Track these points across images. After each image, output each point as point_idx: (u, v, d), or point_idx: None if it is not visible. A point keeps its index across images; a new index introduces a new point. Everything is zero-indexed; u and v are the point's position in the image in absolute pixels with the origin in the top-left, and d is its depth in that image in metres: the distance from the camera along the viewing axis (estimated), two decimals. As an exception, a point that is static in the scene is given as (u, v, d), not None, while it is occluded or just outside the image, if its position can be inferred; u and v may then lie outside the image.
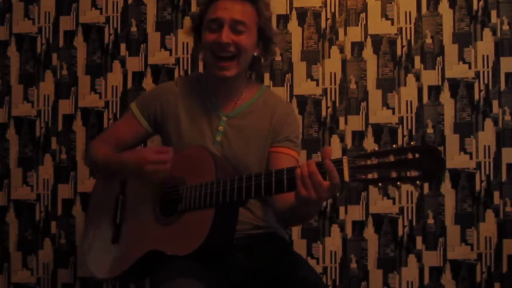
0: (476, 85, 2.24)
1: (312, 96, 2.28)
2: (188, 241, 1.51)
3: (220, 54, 1.67)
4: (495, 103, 2.23)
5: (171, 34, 2.34)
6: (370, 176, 1.31)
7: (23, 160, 2.37)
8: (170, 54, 2.33)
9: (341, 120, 2.27)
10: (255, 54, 1.76)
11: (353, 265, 2.24)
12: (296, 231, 2.25)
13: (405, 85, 2.26)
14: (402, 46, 2.27)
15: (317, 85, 2.28)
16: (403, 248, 2.23)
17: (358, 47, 2.28)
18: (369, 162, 1.31)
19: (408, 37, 2.27)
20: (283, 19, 2.31)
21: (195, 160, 1.61)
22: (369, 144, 2.25)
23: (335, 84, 2.28)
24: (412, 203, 2.23)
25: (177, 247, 1.53)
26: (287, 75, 2.30)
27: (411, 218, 2.23)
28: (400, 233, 2.23)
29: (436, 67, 2.26)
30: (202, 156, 1.60)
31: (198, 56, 1.94)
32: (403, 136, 2.25)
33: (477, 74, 2.24)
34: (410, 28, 2.27)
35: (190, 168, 1.61)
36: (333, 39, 2.29)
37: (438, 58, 2.26)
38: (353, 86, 2.28)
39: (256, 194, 1.48)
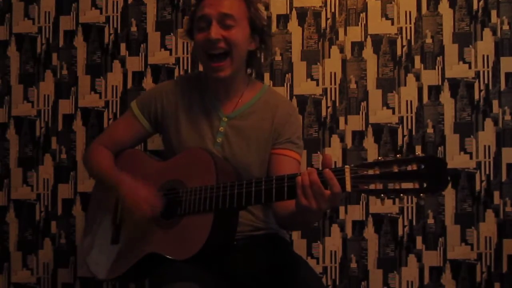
0: (476, 85, 2.24)
1: (312, 96, 2.28)
2: (187, 245, 1.51)
3: (211, 52, 1.64)
4: (495, 103, 2.23)
5: (171, 34, 2.34)
6: (372, 186, 1.28)
7: (23, 160, 2.37)
8: (170, 54, 2.33)
9: (341, 120, 2.27)
10: (251, 49, 1.74)
11: (353, 265, 2.24)
12: (296, 231, 2.25)
13: (405, 85, 2.26)
14: (402, 46, 2.27)
15: (317, 85, 2.28)
16: (403, 248, 2.23)
17: (358, 47, 2.28)
18: (371, 172, 1.27)
19: (408, 37, 2.27)
20: (283, 19, 2.30)
21: (195, 161, 1.61)
22: (369, 144, 2.25)
23: (335, 84, 2.28)
24: (412, 203, 2.23)
25: (177, 251, 1.52)
26: (287, 75, 2.30)
27: (411, 218, 2.23)
28: (400, 233, 2.23)
29: (436, 67, 2.26)
30: (202, 157, 1.59)
31: (197, 58, 1.92)
32: (403, 136, 2.25)
33: (477, 74, 2.24)
34: (410, 28, 2.27)
35: (190, 170, 1.61)
36: (333, 39, 2.29)
37: (438, 58, 2.25)
38: (353, 86, 2.27)
39: (256, 201, 1.46)
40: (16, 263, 2.36)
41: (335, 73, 2.28)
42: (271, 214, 1.73)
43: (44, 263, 2.35)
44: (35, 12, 2.39)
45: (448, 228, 2.22)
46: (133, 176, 1.67)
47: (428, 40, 2.26)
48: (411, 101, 2.25)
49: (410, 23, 2.27)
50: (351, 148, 2.26)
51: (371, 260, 2.23)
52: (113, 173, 1.71)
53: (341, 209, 2.25)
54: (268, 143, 1.74)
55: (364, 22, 2.28)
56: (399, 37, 2.27)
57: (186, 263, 1.50)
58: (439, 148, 2.23)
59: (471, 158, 2.22)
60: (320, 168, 1.36)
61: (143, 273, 1.67)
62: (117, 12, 2.36)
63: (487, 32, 2.24)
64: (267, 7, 2.28)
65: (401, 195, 1.26)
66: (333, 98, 2.28)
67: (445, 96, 2.25)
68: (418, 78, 2.26)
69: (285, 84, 2.29)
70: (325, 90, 2.28)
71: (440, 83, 2.25)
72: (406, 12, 2.27)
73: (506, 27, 2.24)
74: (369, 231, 2.24)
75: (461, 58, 2.25)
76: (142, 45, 2.35)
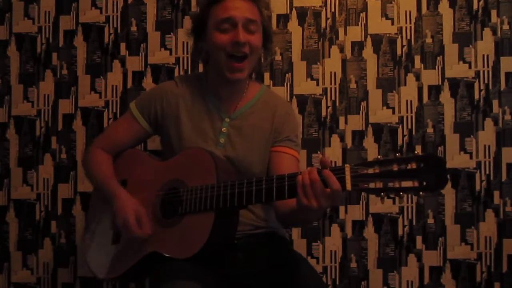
0: (476, 84, 2.24)
1: (312, 96, 2.28)
2: (188, 244, 1.51)
3: (236, 54, 1.65)
4: (495, 102, 2.23)
5: (171, 33, 2.34)
6: (372, 185, 1.28)
7: (23, 159, 2.37)
8: (170, 54, 2.33)
9: (341, 119, 2.27)
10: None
11: (353, 264, 2.24)
12: (296, 230, 2.25)
13: (405, 85, 2.26)
14: (402, 46, 2.27)
15: (317, 84, 2.28)
16: (403, 247, 2.23)
17: (358, 46, 2.28)
18: (371, 170, 1.28)
19: (408, 37, 2.27)
20: (283, 19, 2.30)
21: (195, 161, 1.61)
22: (369, 143, 2.25)
23: (335, 84, 2.28)
24: (412, 202, 2.23)
25: (178, 250, 1.53)
26: (287, 75, 2.30)
27: (411, 217, 2.23)
28: (400, 232, 2.23)
29: (436, 67, 2.26)
30: (202, 157, 1.59)
31: (197, 57, 1.91)
32: (403, 136, 2.25)
33: (477, 73, 2.24)
34: (410, 27, 2.27)
35: (191, 170, 1.61)
36: (333, 39, 2.29)
37: (438, 58, 2.26)
38: (353, 85, 2.28)
39: (256, 200, 1.47)
40: (16, 263, 2.36)
41: (335, 73, 2.28)
42: (272, 213, 1.74)
43: (44, 263, 2.35)
44: (35, 11, 2.39)
45: (448, 228, 2.22)
46: (135, 180, 1.70)
47: (428, 40, 2.26)
48: (411, 101, 2.26)
49: (410, 23, 2.27)
50: (351, 148, 2.26)
51: (371, 260, 2.24)
52: (110, 183, 1.71)
53: (341, 209, 2.25)
54: (269, 142, 1.75)
55: (364, 22, 2.28)
56: (399, 37, 2.27)
57: (187, 262, 1.50)
58: (439, 148, 2.23)
59: (471, 158, 2.22)
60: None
61: (144, 272, 1.67)
62: (117, 12, 2.36)
63: (487, 32, 2.24)
64: (267, 7, 2.27)
65: (401, 193, 1.27)
66: (333, 98, 2.28)
67: (445, 96, 2.25)
68: (418, 78, 2.26)
69: (285, 84, 2.29)
70: (325, 90, 2.28)
71: (440, 83, 2.25)
72: (406, 12, 2.27)
73: (506, 26, 2.24)
74: (369, 231, 2.24)
75: (461, 58, 2.25)
76: (142, 45, 2.35)
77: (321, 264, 2.25)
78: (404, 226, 2.23)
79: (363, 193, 2.23)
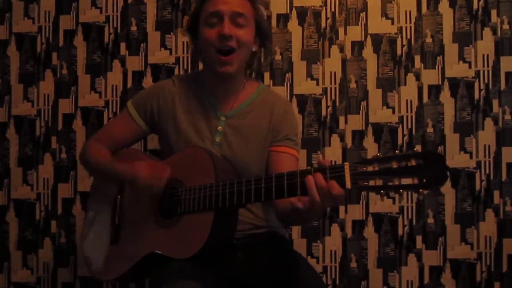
0: (476, 84, 2.24)
1: (312, 96, 2.28)
2: (188, 244, 1.51)
3: (222, 47, 1.64)
4: (495, 102, 2.23)
5: (171, 33, 2.34)
6: (372, 183, 1.28)
7: (23, 159, 2.37)
8: (170, 54, 2.33)
9: (341, 119, 2.27)
10: (253, 50, 1.75)
11: (353, 264, 2.24)
12: (296, 230, 2.25)
13: (405, 85, 2.26)
14: (402, 46, 2.27)
15: (317, 84, 2.28)
16: (403, 247, 2.23)
17: (358, 46, 2.28)
18: (371, 168, 1.28)
19: (408, 37, 2.27)
20: (283, 18, 2.30)
21: (194, 160, 1.61)
22: (369, 143, 2.25)
23: (335, 84, 2.28)
24: (412, 202, 2.23)
25: (177, 251, 1.53)
26: (287, 74, 2.30)
27: (411, 217, 2.23)
28: (400, 232, 2.23)
29: (436, 67, 2.25)
30: (201, 156, 1.59)
31: (197, 56, 1.92)
32: (403, 136, 2.25)
33: (477, 73, 2.24)
34: (410, 27, 2.27)
35: (189, 169, 1.60)
36: (333, 39, 2.29)
37: (438, 58, 2.25)
38: (353, 85, 2.27)
39: (256, 199, 1.47)
40: (16, 262, 2.36)
41: (335, 73, 2.28)
42: (271, 212, 1.74)
43: (44, 262, 2.35)
44: (35, 11, 2.39)
45: (448, 228, 2.22)
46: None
47: (428, 40, 2.26)
48: (411, 101, 2.25)
49: (410, 23, 2.27)
50: (351, 147, 2.26)
51: (371, 259, 2.24)
52: (115, 165, 1.71)
53: (341, 208, 2.25)
54: (267, 141, 1.75)
55: (364, 21, 2.28)
56: (399, 36, 2.27)
57: (187, 262, 1.50)
58: (439, 147, 2.23)
59: (471, 157, 2.22)
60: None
61: (144, 272, 1.67)
62: (117, 11, 2.36)
63: (487, 31, 2.24)
64: (267, 7, 2.28)
65: (401, 190, 1.27)
66: (333, 98, 2.28)
67: (445, 96, 2.25)
68: (418, 77, 2.26)
69: (285, 84, 2.29)
70: (325, 90, 2.28)
71: (440, 83, 2.25)
72: (406, 11, 2.27)
73: (506, 26, 2.24)
74: (369, 231, 2.24)
75: (461, 57, 2.25)
76: (142, 45, 2.35)
77: (321, 264, 2.25)
78: (404, 226, 2.23)
79: (363, 193, 2.23)
